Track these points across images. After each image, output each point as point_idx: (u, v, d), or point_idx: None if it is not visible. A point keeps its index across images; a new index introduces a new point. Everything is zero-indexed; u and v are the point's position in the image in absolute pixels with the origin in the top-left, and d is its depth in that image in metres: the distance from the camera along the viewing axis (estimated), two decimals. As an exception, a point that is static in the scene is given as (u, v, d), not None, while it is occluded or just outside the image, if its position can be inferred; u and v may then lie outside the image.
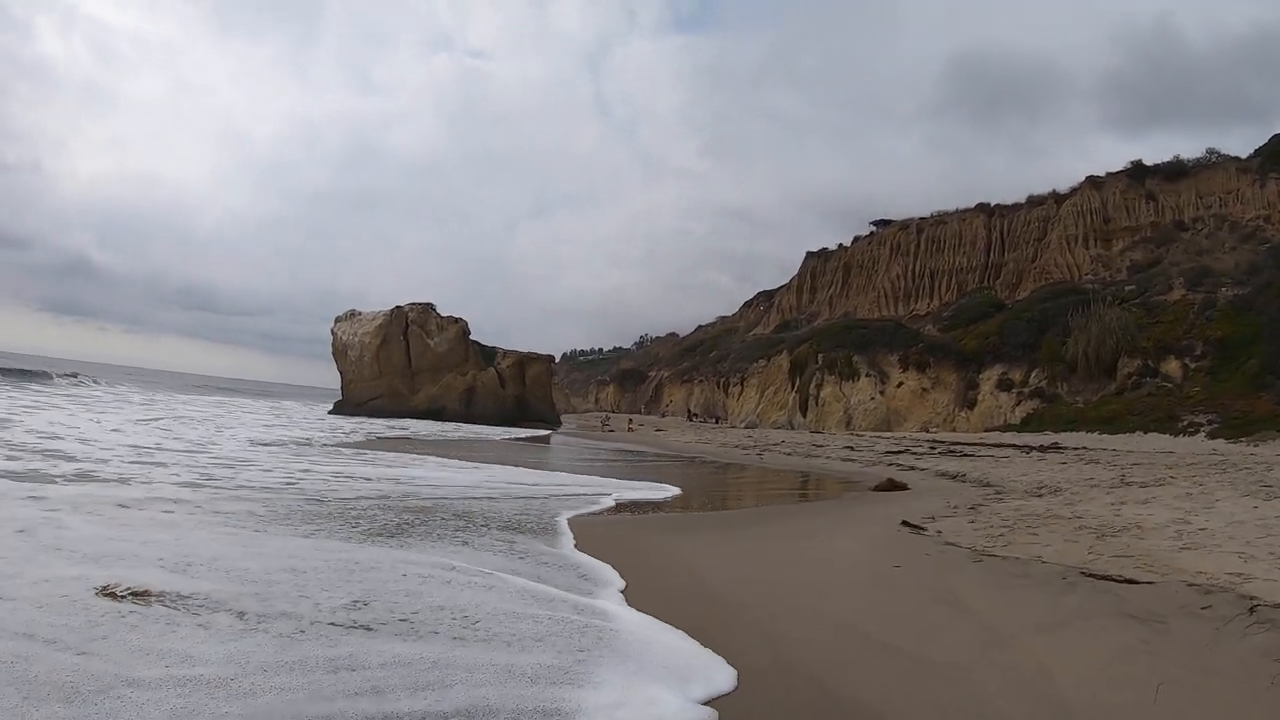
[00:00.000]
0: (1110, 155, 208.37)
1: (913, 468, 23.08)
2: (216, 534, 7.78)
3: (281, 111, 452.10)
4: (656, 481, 18.11)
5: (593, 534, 9.65)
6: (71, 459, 13.62)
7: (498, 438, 41.66)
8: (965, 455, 26.86)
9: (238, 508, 9.69)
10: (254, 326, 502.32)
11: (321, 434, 30.67)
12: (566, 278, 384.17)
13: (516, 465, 20.70)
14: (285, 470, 15.13)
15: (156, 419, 29.49)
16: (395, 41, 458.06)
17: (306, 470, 15.39)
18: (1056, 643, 4.92)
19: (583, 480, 17.71)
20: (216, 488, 11.74)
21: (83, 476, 11.56)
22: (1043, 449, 29.47)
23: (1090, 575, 6.33)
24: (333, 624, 4.98)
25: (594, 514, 12.00)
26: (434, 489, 13.80)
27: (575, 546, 8.70)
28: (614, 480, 17.92)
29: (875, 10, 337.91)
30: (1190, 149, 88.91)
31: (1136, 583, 5.96)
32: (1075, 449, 29.35)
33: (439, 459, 21.47)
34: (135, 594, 5.13)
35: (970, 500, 13.46)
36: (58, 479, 11.05)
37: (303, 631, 4.81)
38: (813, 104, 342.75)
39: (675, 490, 16.24)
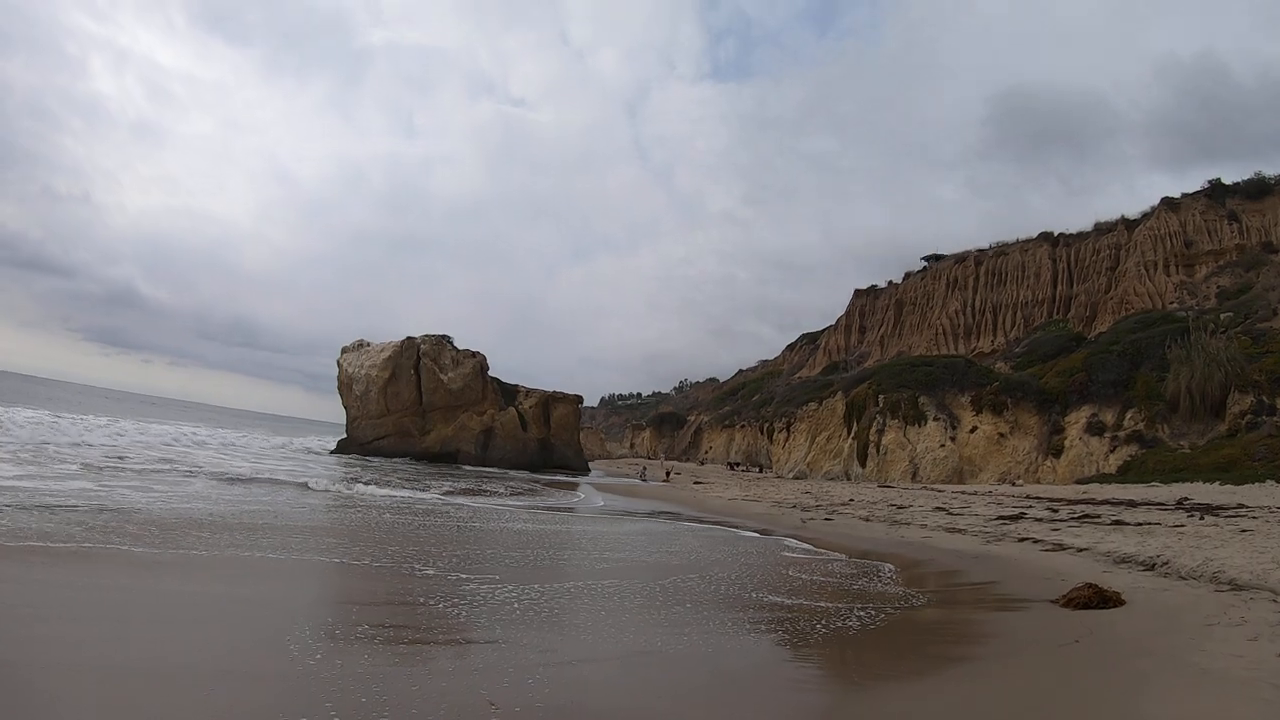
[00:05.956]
0: (1162, 190, 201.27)
1: (1059, 545, 15.85)
2: None
3: (326, 153, 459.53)
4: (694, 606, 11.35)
5: None
6: None
7: (508, 498, 34.64)
8: (1113, 522, 19.53)
9: None
10: (295, 364, 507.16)
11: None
12: (606, 322, 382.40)
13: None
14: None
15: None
16: (438, 88, 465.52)
17: None
18: None
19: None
20: None
21: None
22: (1192, 509, 22.26)
23: None
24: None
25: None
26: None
27: None
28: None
29: (914, 55, 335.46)
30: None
31: None
32: (1232, 509, 21.97)
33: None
34: None
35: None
36: None
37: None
38: (853, 149, 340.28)
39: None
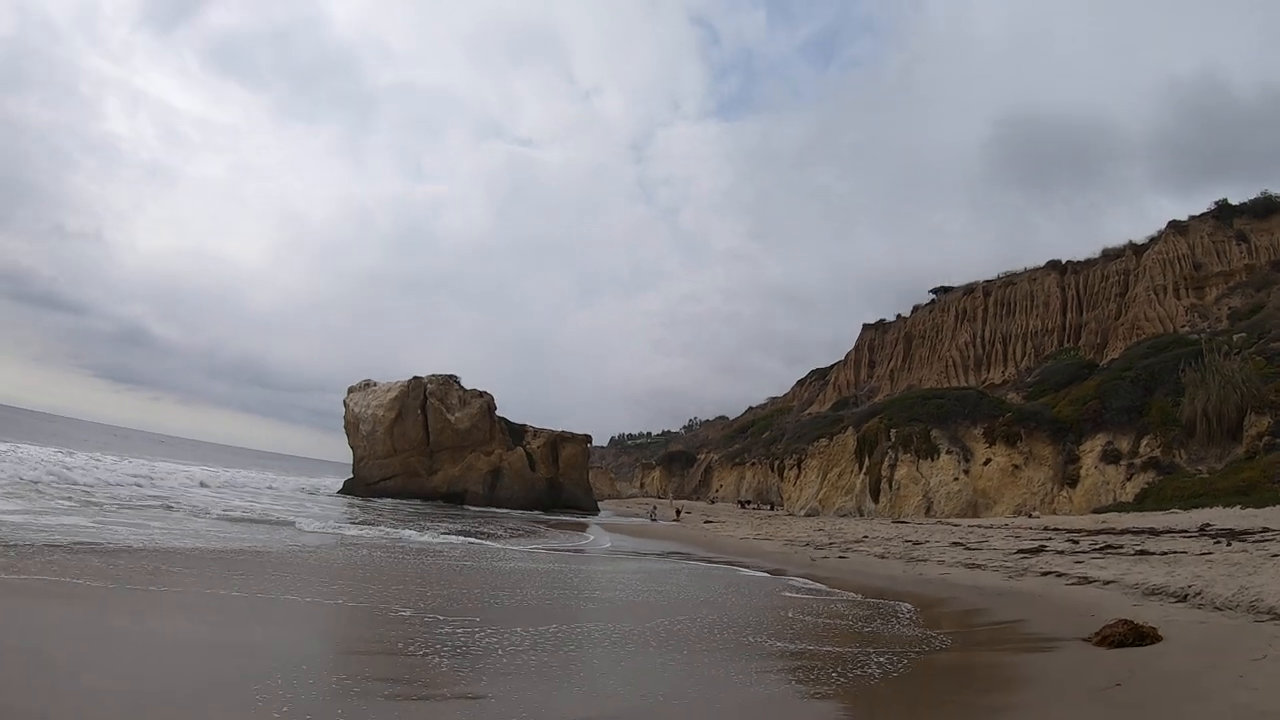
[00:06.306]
0: (1168, 212, 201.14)
1: (1084, 578, 15.13)
2: None
3: (336, 195, 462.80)
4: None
5: None
6: None
7: (510, 540, 33.82)
8: (1138, 552, 18.79)
9: None
10: (304, 403, 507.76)
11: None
12: (614, 362, 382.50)
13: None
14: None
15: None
16: (446, 129, 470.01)
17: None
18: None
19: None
20: None
21: None
22: (1217, 535, 21.43)
23: None
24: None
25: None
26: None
27: None
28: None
29: (915, 86, 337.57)
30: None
31: None
32: (1258, 533, 21.14)
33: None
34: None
35: None
36: None
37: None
38: (858, 181, 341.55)
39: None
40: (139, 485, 33.58)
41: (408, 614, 10.55)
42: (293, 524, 24.55)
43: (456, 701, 6.70)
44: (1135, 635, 8.68)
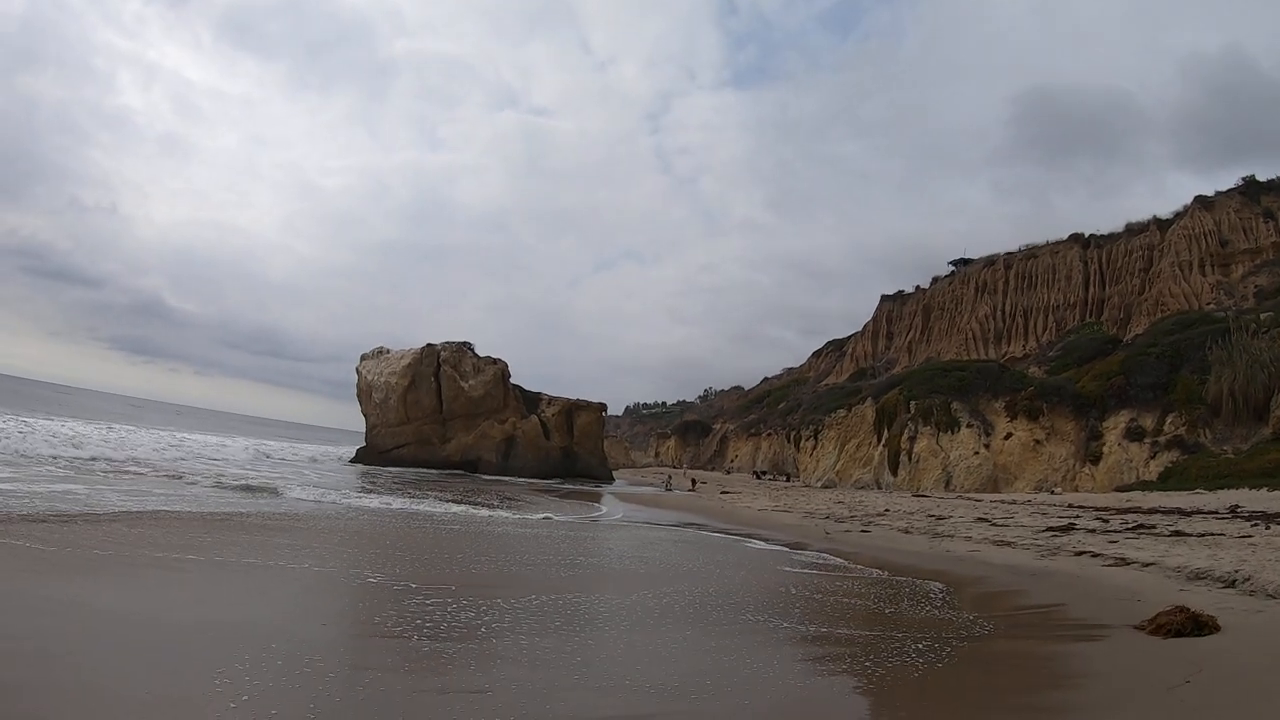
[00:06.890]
0: (1192, 189, 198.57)
1: (1121, 559, 14.53)
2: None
3: (351, 165, 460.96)
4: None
5: None
6: None
7: (515, 510, 33.33)
8: (1172, 533, 18.22)
9: None
10: (320, 373, 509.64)
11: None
12: (630, 332, 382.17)
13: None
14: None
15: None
16: (461, 98, 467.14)
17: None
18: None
19: None
20: None
21: None
22: (1251, 518, 20.88)
23: None
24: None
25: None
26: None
27: None
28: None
29: (935, 58, 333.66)
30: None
31: None
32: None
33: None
34: None
35: None
36: None
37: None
38: (876, 153, 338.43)
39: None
40: (143, 454, 33.88)
41: (375, 580, 10.28)
42: (282, 491, 24.21)
43: (431, 695, 5.95)
44: (1193, 624, 8.11)
